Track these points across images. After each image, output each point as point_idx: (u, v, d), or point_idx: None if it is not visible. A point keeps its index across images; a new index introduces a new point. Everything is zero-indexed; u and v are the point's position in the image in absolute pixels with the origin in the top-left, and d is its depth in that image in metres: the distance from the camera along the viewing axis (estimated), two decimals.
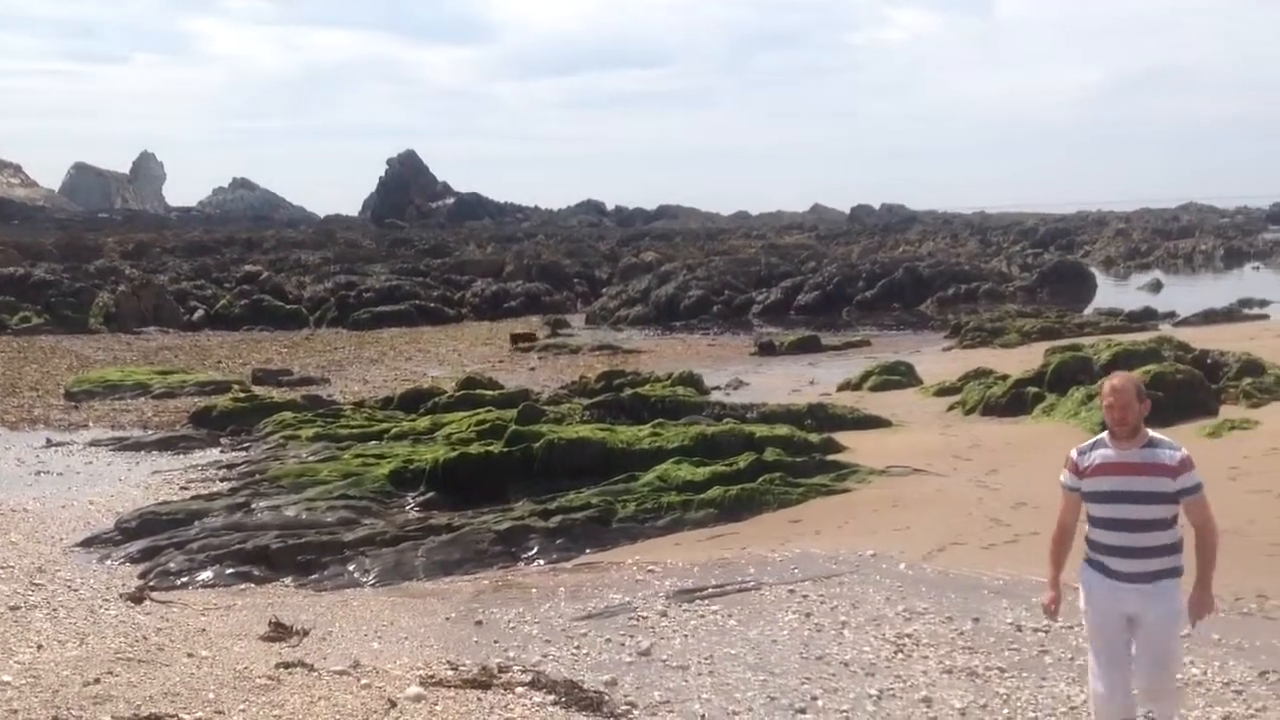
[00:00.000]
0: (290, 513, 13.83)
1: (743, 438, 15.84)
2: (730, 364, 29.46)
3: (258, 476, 16.06)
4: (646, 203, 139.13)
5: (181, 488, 15.98)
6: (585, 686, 8.21)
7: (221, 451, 18.80)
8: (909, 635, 9.20)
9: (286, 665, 8.42)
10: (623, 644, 9.28)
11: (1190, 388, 17.70)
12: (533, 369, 29.48)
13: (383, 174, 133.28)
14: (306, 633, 9.67)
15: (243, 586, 11.62)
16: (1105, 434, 6.37)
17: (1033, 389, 19.19)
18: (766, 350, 31.92)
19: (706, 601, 10.31)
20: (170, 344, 36.65)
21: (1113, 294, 47.87)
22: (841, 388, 23.65)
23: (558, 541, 12.60)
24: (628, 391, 20.24)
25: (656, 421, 17.16)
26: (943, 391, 21.56)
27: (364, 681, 8.10)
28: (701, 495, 13.73)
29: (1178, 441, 6.36)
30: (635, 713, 7.83)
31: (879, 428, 18.38)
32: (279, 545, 12.38)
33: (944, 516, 12.73)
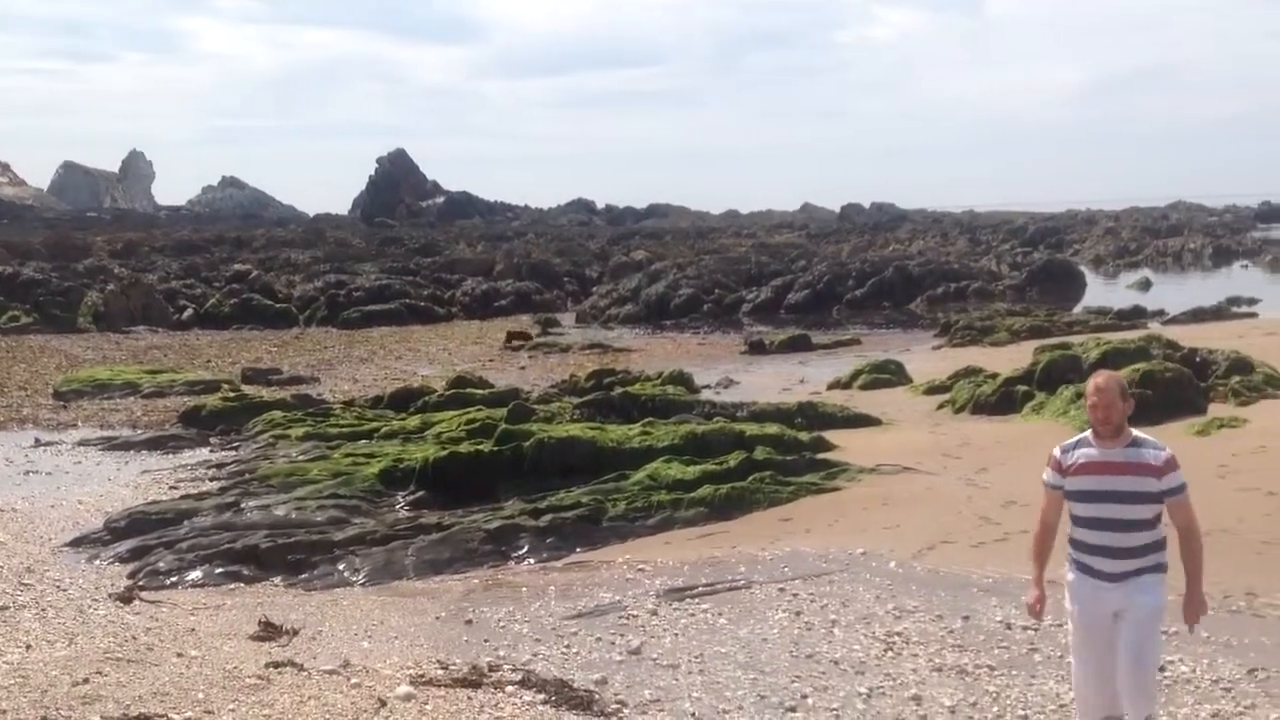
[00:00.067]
0: (280, 512, 13.81)
1: (733, 436, 15.85)
2: (720, 363, 29.47)
3: (247, 476, 16.03)
4: (637, 201, 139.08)
5: (171, 487, 15.94)
6: (575, 685, 8.21)
7: (211, 451, 18.76)
8: (899, 633, 9.21)
9: (276, 665, 8.41)
10: (613, 643, 9.28)
11: (1179, 386, 17.74)
12: (523, 368, 29.46)
13: (372, 173, 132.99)
14: (296, 632, 9.66)
15: (232, 586, 11.61)
16: (1089, 433, 6.31)
17: (1022, 387, 19.22)
18: (757, 349, 31.94)
19: (697, 600, 10.31)
20: (159, 343, 36.57)
21: (1102, 292, 47.97)
22: (831, 386, 23.67)
23: (548, 540, 12.60)
24: (618, 390, 20.24)
25: (647, 420, 17.17)
26: (932, 390, 21.59)
27: (354, 681, 8.09)
28: (692, 494, 13.74)
29: (1162, 441, 6.31)
30: (625, 711, 7.83)
31: (869, 426, 18.41)
32: (269, 545, 12.37)
33: (934, 515, 12.75)
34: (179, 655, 8.77)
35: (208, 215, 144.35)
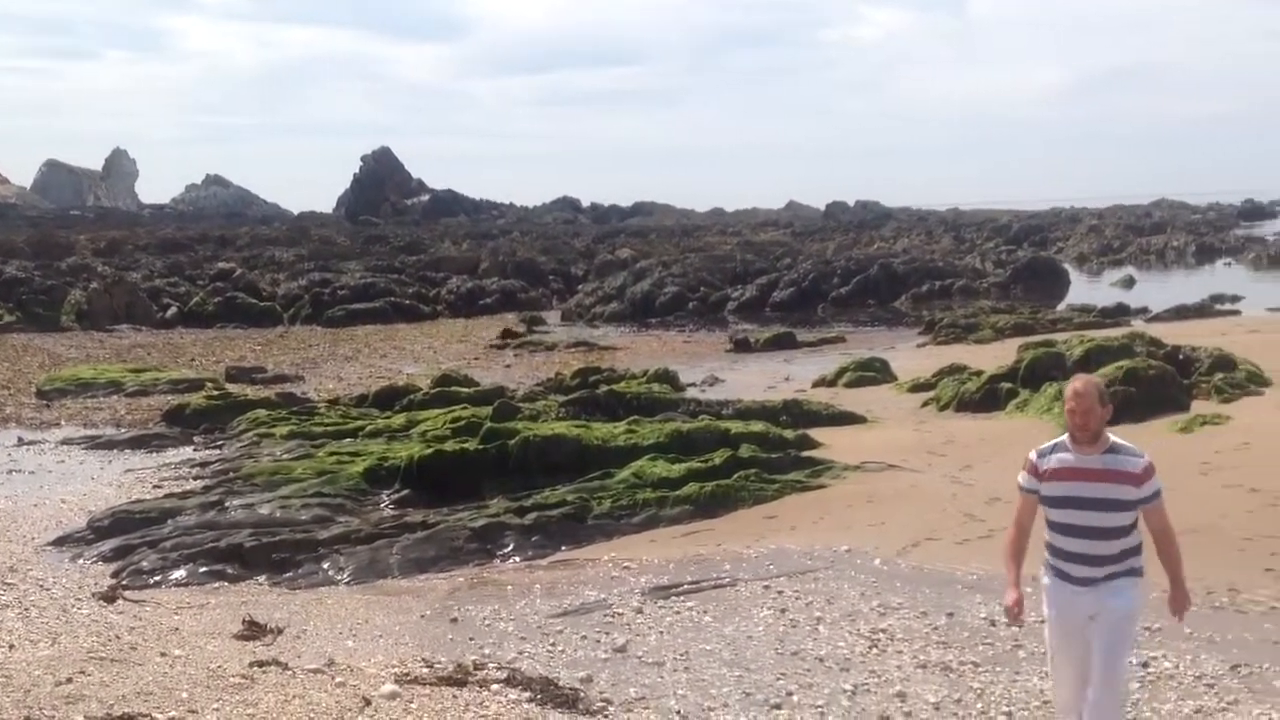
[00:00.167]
0: (264, 511, 13.78)
1: (718, 434, 15.86)
2: (706, 361, 29.48)
3: (231, 474, 15.98)
4: (622, 200, 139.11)
5: (155, 486, 15.90)
6: (561, 683, 8.21)
7: (195, 449, 18.72)
8: (884, 630, 9.23)
9: (260, 664, 8.39)
10: (598, 641, 9.28)
11: (1162, 383, 17.80)
12: (508, 366, 29.45)
13: (357, 171, 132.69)
14: (281, 631, 9.64)
15: (216, 585, 11.58)
16: (1065, 436, 6.20)
17: (1006, 385, 19.27)
18: (742, 347, 31.97)
19: (682, 598, 10.32)
20: (143, 342, 36.46)
21: (1086, 290, 48.09)
22: (817, 384, 23.70)
23: (533, 539, 12.60)
24: (603, 388, 20.24)
25: (632, 418, 17.17)
26: (917, 388, 21.63)
27: (338, 680, 8.07)
28: (677, 492, 13.74)
29: (1139, 447, 6.22)
30: (611, 709, 7.83)
31: (854, 424, 18.43)
32: (253, 543, 12.34)
33: (918, 512, 12.78)
34: (163, 654, 8.74)
35: (192, 213, 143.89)
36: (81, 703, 7.35)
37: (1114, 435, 6.17)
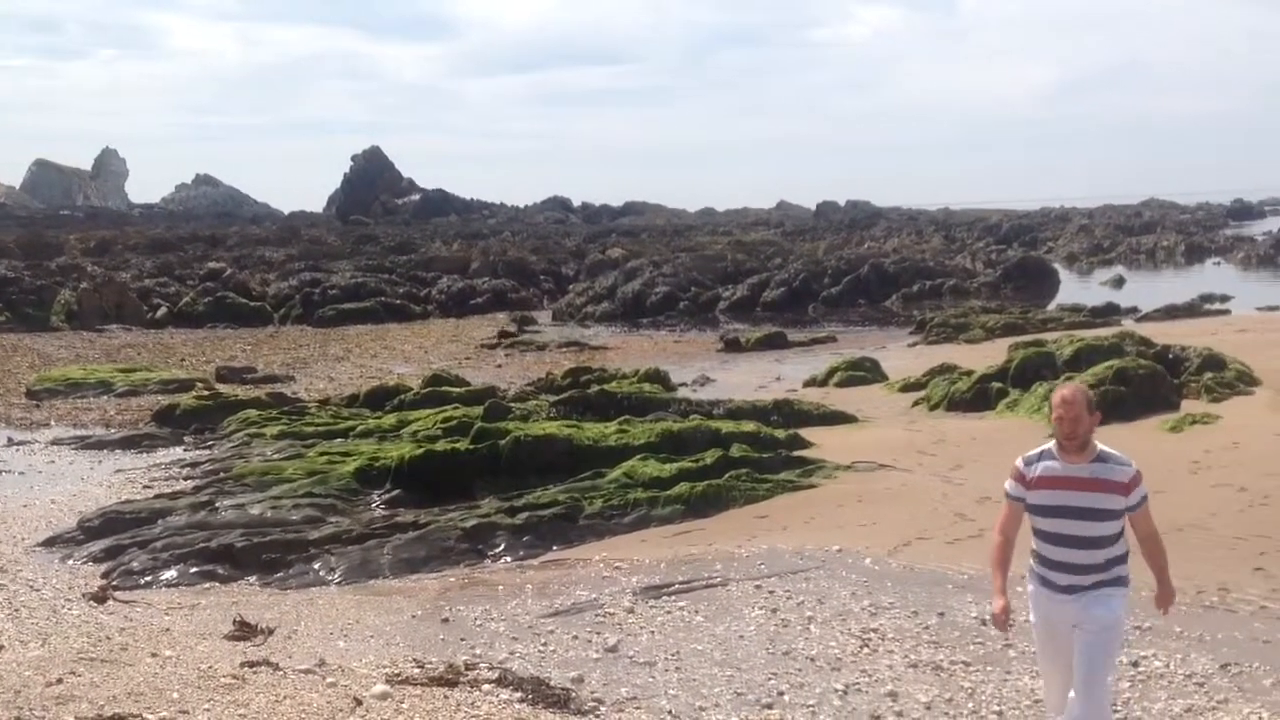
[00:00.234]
0: (255, 511, 13.76)
1: (709, 434, 15.87)
2: (697, 360, 29.49)
3: (222, 475, 15.96)
4: (613, 199, 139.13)
5: (145, 486, 15.87)
6: (552, 683, 8.21)
7: (185, 450, 18.69)
8: (875, 630, 9.24)
9: (251, 664, 8.37)
10: (589, 641, 9.28)
11: (1152, 383, 17.85)
12: (499, 366, 29.43)
13: (347, 170, 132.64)
14: (272, 631, 9.63)
15: (207, 585, 11.56)
16: (1052, 443, 6.15)
17: (997, 384, 19.31)
18: (733, 347, 31.98)
19: (673, 598, 10.32)
20: (133, 342, 36.39)
21: (1076, 290, 48.17)
22: (807, 384, 23.72)
23: (524, 539, 12.59)
24: (594, 388, 20.25)
25: (623, 418, 17.17)
26: (908, 387, 21.65)
27: (330, 680, 8.06)
28: (668, 492, 13.74)
29: (1126, 455, 6.14)
30: (602, 709, 7.83)
31: (845, 423, 18.45)
32: (244, 544, 12.32)
33: (909, 512, 12.79)
34: (153, 655, 8.72)
35: (181, 213, 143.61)
36: (72, 703, 7.33)
37: (1101, 444, 6.10)
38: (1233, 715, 7.44)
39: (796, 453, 15.72)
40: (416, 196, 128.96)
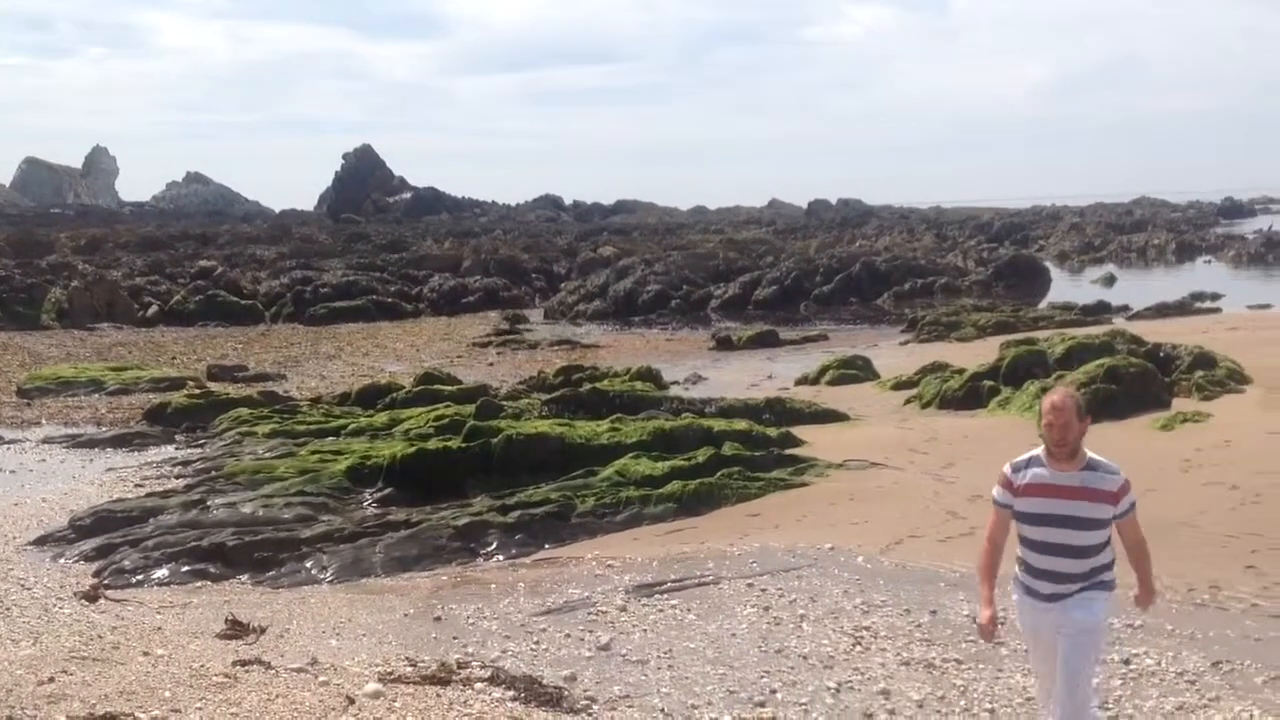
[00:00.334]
0: (247, 510, 13.75)
1: (701, 432, 15.88)
2: (688, 359, 29.50)
3: (213, 473, 15.95)
4: (604, 198, 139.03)
5: (136, 485, 15.85)
6: (545, 681, 8.21)
7: (177, 448, 18.66)
8: (867, 628, 9.24)
9: (244, 663, 8.37)
10: (582, 639, 9.28)
11: (1143, 381, 17.88)
12: (491, 364, 29.42)
13: (339, 169, 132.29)
14: (264, 630, 9.62)
15: (199, 584, 11.55)
16: (1041, 450, 6.04)
17: (988, 383, 19.33)
18: (724, 345, 31.99)
19: (665, 596, 10.32)
20: (124, 340, 36.31)
21: (1067, 288, 48.22)
22: (799, 382, 23.74)
23: (516, 537, 12.59)
24: (586, 386, 20.26)
25: (615, 416, 17.19)
26: (900, 385, 21.67)
27: (322, 679, 8.06)
28: (660, 490, 13.74)
29: (1115, 462, 6.04)
30: (595, 707, 7.84)
31: (836, 422, 18.47)
32: (235, 542, 12.31)
33: (901, 510, 12.80)
34: (145, 654, 8.71)
35: (172, 211, 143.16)
36: (64, 702, 7.32)
37: (1090, 451, 6.02)
38: (1224, 713, 7.45)
39: (788, 451, 15.73)
40: (408, 195, 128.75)
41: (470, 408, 18.10)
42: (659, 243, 67.92)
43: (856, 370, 23.80)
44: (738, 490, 13.88)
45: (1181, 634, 8.77)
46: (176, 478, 16.25)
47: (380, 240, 70.81)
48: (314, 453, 16.45)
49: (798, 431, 16.91)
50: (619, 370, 23.55)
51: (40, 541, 12.93)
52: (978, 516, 11.96)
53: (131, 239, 69.43)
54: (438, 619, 10.00)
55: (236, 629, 9.56)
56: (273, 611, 10.34)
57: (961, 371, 20.42)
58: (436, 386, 21.63)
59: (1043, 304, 40.53)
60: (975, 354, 23.84)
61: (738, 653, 8.83)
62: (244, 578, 11.72)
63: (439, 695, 7.82)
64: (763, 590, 10.33)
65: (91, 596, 10.72)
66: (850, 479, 14.42)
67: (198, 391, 22.54)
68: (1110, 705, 7.51)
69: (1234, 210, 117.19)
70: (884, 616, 9.52)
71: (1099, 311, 36.04)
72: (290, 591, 11.24)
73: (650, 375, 22.78)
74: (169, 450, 18.50)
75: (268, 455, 16.81)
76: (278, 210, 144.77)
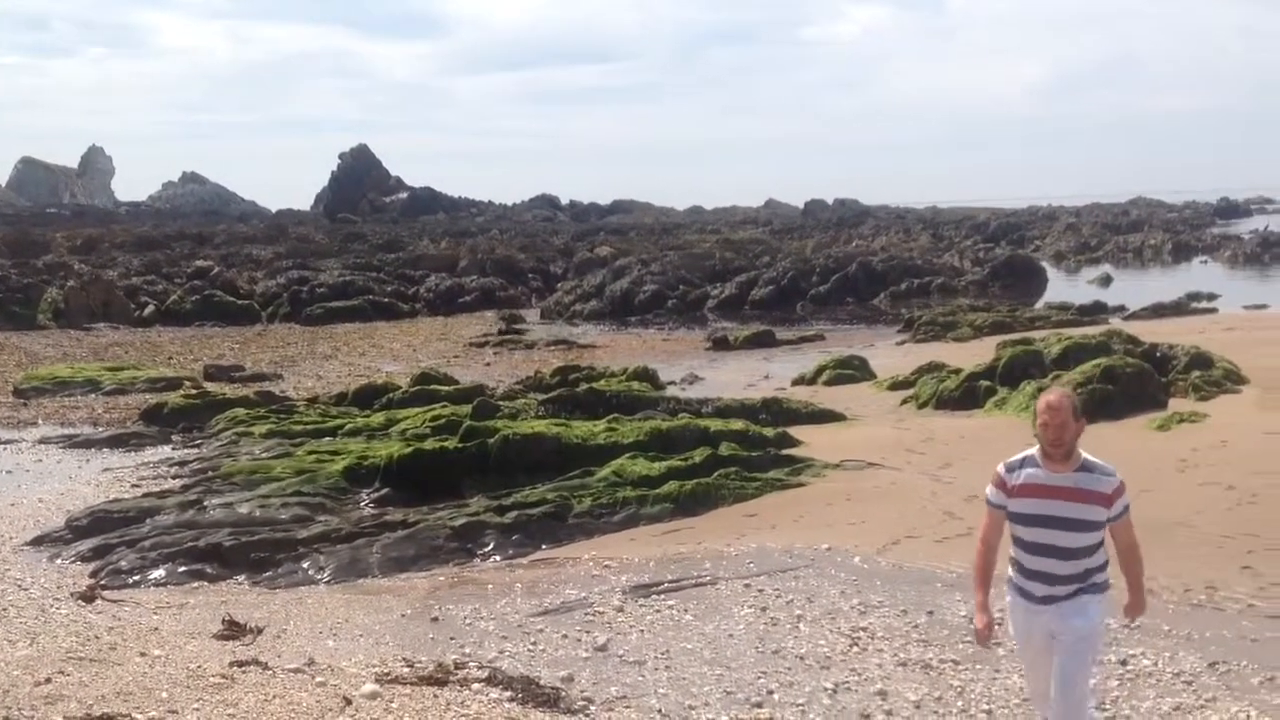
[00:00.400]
0: (243, 510, 13.74)
1: (698, 432, 15.88)
2: (685, 359, 29.50)
3: (210, 473, 15.93)
4: (601, 197, 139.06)
5: (133, 485, 15.83)
6: (542, 682, 8.21)
7: (173, 448, 18.64)
8: (864, 629, 9.25)
9: (241, 664, 8.37)
10: (579, 639, 9.28)
11: (1140, 381, 17.89)
12: (488, 364, 29.41)
13: (335, 168, 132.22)
14: (260, 631, 9.61)
15: (196, 585, 11.53)
16: (1035, 450, 5.98)
17: (985, 383, 19.35)
18: (721, 345, 32.00)
19: (663, 596, 10.32)
20: (121, 340, 36.29)
21: (1063, 288, 48.26)
22: (796, 382, 23.74)
23: (513, 537, 12.59)
24: (583, 386, 20.25)
25: (612, 416, 17.18)
26: (896, 385, 21.68)
27: (319, 679, 8.05)
28: (657, 490, 13.74)
29: (1111, 465, 5.97)
30: (592, 708, 7.84)
31: (833, 422, 18.47)
32: (232, 543, 12.30)
33: (898, 510, 12.81)
34: (142, 654, 8.71)
35: (169, 211, 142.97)
36: (61, 703, 7.32)
37: (1085, 452, 5.96)
38: (1220, 713, 7.46)
39: (785, 451, 15.73)
40: (404, 194, 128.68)
41: (467, 408, 18.10)
42: (655, 243, 67.91)
43: (853, 370, 23.81)
44: (734, 490, 13.88)
45: (1178, 634, 8.78)
46: (173, 478, 16.24)
47: (377, 240, 70.81)
48: (311, 453, 16.44)
49: (794, 432, 16.92)
50: (615, 370, 23.54)
51: (37, 542, 12.92)
52: (975, 517, 11.92)
53: (128, 239, 69.35)
54: (435, 619, 10.00)
55: (233, 629, 9.55)
56: (270, 612, 10.33)
57: (958, 372, 20.44)
58: (433, 387, 21.62)
59: (1039, 304, 40.56)
60: (972, 354, 23.85)
61: (735, 653, 8.83)
62: (241, 578, 11.71)
63: (436, 696, 7.82)
64: (760, 591, 10.33)
65: (88, 597, 10.71)
66: (847, 479, 14.42)
67: (194, 392, 22.52)
68: (1107, 706, 7.52)
69: (1230, 210, 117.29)
70: (881, 617, 9.52)
71: (1095, 312, 36.06)
72: (287, 592, 11.23)
73: (647, 375, 22.77)
74: (165, 450, 18.49)
75: (264, 455, 16.80)
76: (274, 210, 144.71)
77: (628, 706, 7.86)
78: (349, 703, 7.51)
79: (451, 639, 9.42)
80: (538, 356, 30.74)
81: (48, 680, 7.78)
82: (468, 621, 9.92)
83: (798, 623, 9.47)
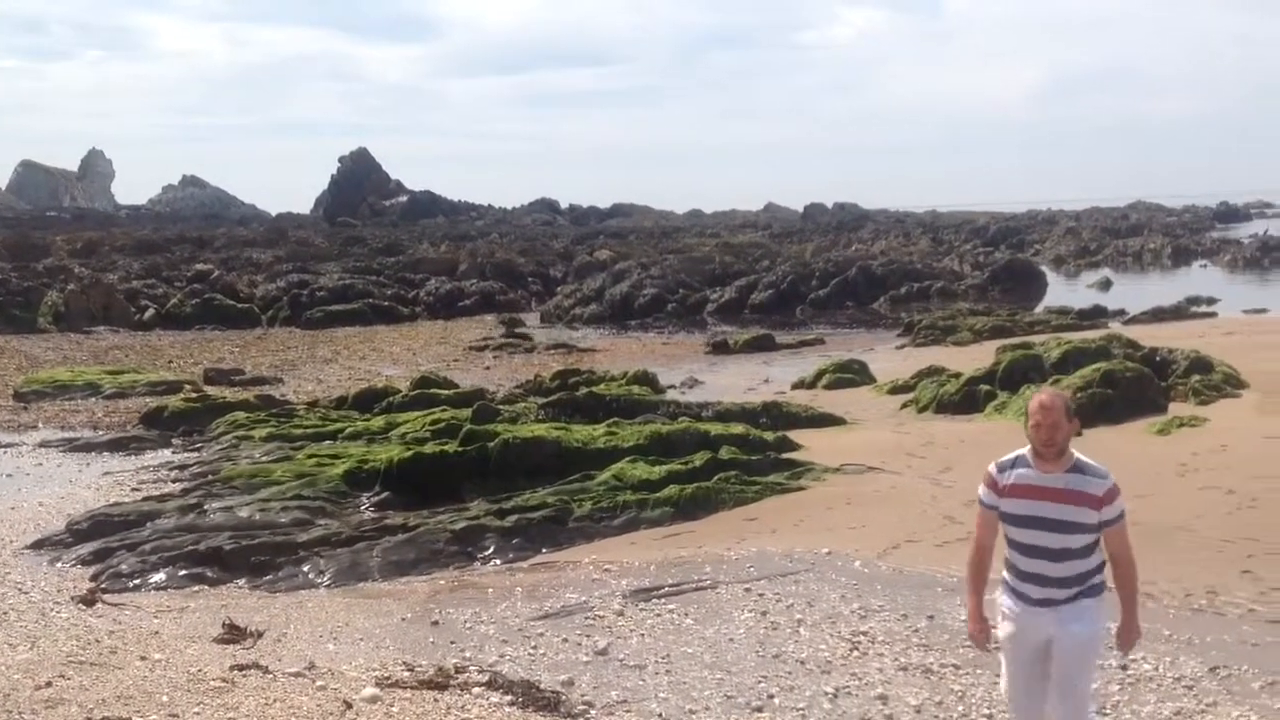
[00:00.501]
0: (244, 513, 13.74)
1: (698, 436, 15.88)
2: (685, 363, 29.51)
3: (210, 477, 15.93)
4: (600, 201, 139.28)
5: (133, 489, 15.83)
6: (542, 686, 8.21)
7: (173, 452, 18.64)
8: (864, 633, 9.25)
9: (241, 667, 8.36)
10: (579, 644, 9.28)
11: (1140, 385, 17.90)
12: (488, 368, 29.41)
13: (335, 172, 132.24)
14: (261, 634, 9.61)
15: (196, 588, 11.53)
16: (1028, 450, 5.88)
17: (985, 387, 19.36)
18: (721, 349, 32.01)
19: (663, 600, 10.32)
20: (121, 343, 36.30)
21: (1063, 292, 48.27)
22: (796, 386, 23.75)
23: (514, 541, 12.58)
24: (583, 390, 20.23)
25: (612, 420, 17.18)
26: (896, 389, 21.69)
27: (319, 683, 8.05)
28: (657, 494, 13.75)
29: (1104, 467, 5.85)
30: (592, 712, 7.84)
31: (833, 426, 18.47)
32: (232, 546, 12.29)
33: (898, 514, 12.81)
34: (143, 658, 8.70)
35: (168, 214, 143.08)
36: (61, 707, 7.32)
37: (1080, 453, 5.87)
38: (1221, 718, 7.46)
39: (785, 455, 15.72)
40: (404, 198, 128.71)
41: (467, 411, 18.11)
42: (655, 246, 67.92)
43: (853, 374, 23.81)
44: (735, 494, 13.88)
45: (1179, 639, 8.78)
46: (173, 481, 16.23)
47: (376, 244, 70.77)
48: (311, 456, 16.44)
49: (794, 435, 16.91)
50: (615, 374, 23.54)
51: (37, 545, 12.91)
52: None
53: (128, 242, 69.32)
54: (435, 623, 10.00)
55: (234, 633, 9.55)
56: (270, 616, 10.33)
57: (958, 375, 20.45)
58: (433, 390, 21.63)
59: (1039, 308, 40.56)
60: (971, 358, 23.86)
61: (735, 658, 8.83)
62: (241, 582, 11.71)
63: (436, 700, 7.82)
64: (760, 595, 10.33)
65: (89, 601, 10.70)
66: (847, 483, 14.42)
67: (194, 395, 22.53)
68: (1108, 710, 7.53)
69: (1229, 214, 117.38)
70: (881, 621, 9.52)
71: (1095, 316, 36.08)
72: (287, 595, 11.23)
73: (647, 379, 22.76)
74: (166, 454, 18.48)
75: (264, 459, 16.80)
76: (274, 213, 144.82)
77: (628, 711, 7.86)
78: (349, 707, 7.51)
79: (452, 643, 9.42)
80: (538, 360, 30.74)
81: (48, 684, 7.78)
82: (468, 625, 9.92)
83: (798, 627, 9.47)
